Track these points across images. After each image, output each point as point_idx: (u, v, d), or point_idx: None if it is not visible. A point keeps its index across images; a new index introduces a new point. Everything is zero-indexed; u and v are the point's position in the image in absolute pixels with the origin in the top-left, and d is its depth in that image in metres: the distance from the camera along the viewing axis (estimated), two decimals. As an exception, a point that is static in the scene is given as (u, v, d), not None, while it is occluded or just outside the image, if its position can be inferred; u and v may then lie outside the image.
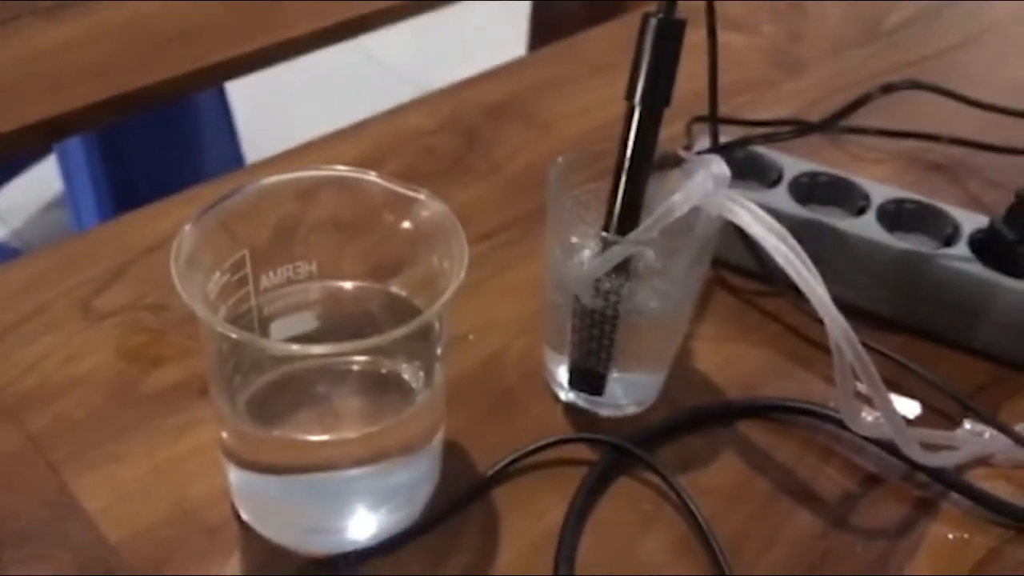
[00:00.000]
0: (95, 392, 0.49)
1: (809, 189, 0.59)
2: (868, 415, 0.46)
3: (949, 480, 0.48)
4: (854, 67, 0.78)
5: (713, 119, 0.54)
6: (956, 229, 0.56)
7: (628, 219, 0.45)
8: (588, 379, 0.49)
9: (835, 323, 0.41)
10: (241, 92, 1.55)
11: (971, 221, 0.56)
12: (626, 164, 0.45)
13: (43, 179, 1.65)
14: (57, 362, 0.51)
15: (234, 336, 0.37)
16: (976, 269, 0.53)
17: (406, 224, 0.43)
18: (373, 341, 0.36)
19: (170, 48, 0.72)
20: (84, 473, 0.46)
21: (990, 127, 0.69)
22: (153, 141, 1.37)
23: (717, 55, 0.51)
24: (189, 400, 0.49)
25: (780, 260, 0.42)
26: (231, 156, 1.55)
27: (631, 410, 0.51)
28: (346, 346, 0.38)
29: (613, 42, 0.78)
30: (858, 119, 0.70)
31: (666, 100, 0.45)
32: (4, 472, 0.46)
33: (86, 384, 0.50)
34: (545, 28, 1.35)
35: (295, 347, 0.39)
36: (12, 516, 0.44)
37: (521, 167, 0.66)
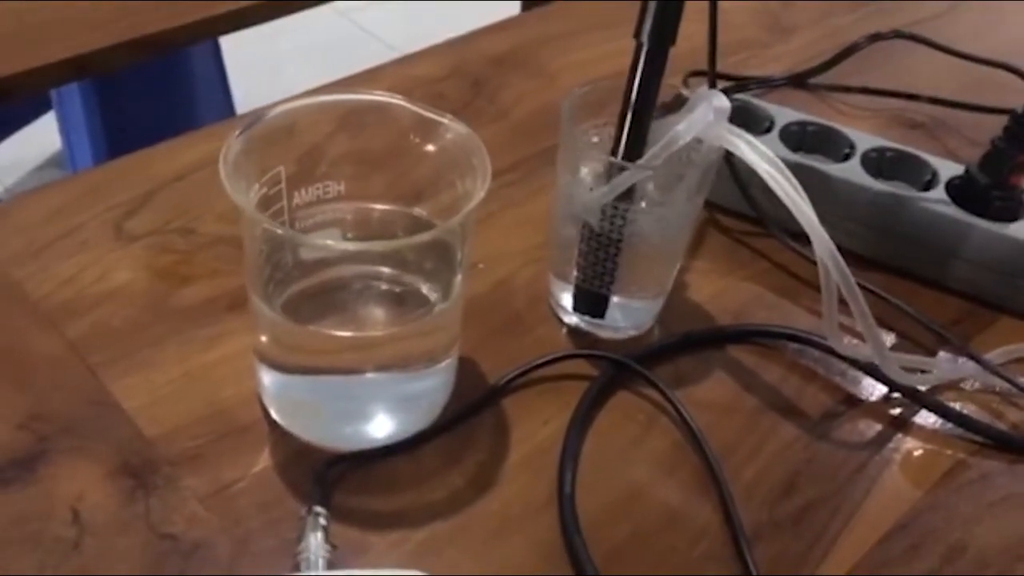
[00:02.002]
0: (129, 304, 0.53)
1: (798, 137, 0.62)
2: (850, 340, 0.50)
3: (922, 399, 0.52)
4: (841, 31, 0.82)
5: (712, 66, 0.58)
6: (934, 176, 0.60)
7: (634, 148, 0.49)
8: (591, 302, 0.53)
9: (822, 242, 0.45)
10: (235, 65, 1.58)
11: (948, 169, 0.60)
12: (633, 97, 0.48)
13: (38, 138, 1.67)
14: (92, 277, 0.54)
15: (278, 231, 0.40)
16: (952, 211, 0.57)
17: (430, 147, 0.46)
18: (397, 243, 0.40)
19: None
20: (121, 376, 0.49)
21: (968, 88, 0.73)
22: (149, 93, 1.40)
23: (717, 8, 0.54)
24: (218, 314, 0.53)
25: (773, 185, 0.46)
26: (225, 113, 1.58)
27: (629, 333, 0.54)
28: (375, 244, 0.41)
29: (609, 2, 0.81)
30: (844, 78, 0.74)
31: (671, 38, 0.48)
32: (47, 373, 0.49)
33: (120, 297, 0.53)
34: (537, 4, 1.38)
35: (330, 242, 0.42)
36: (56, 413, 0.47)
37: (526, 113, 0.69)
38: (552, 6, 0.83)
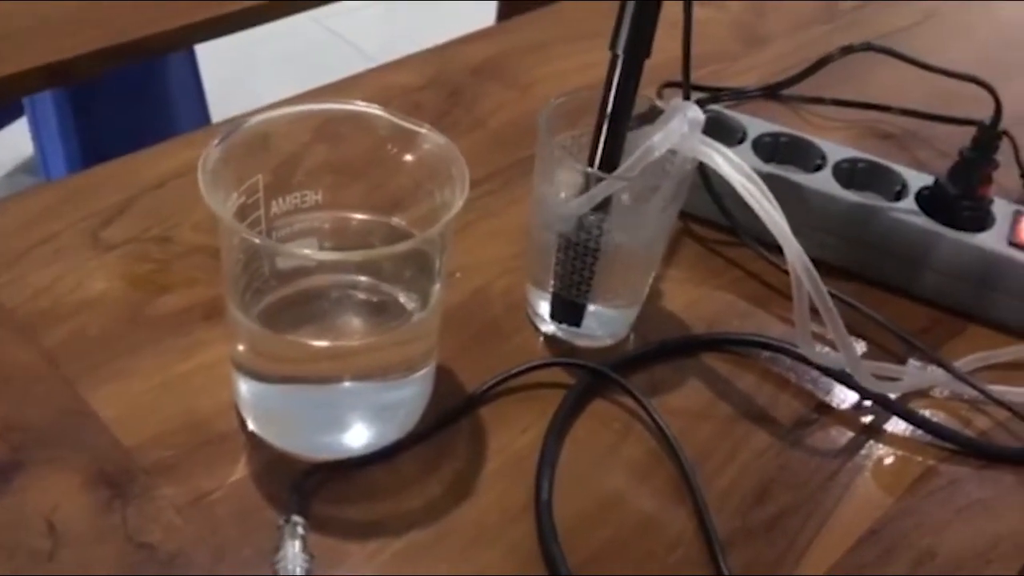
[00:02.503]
0: (105, 313, 0.53)
1: (771, 148, 0.63)
2: (822, 348, 0.51)
3: (893, 407, 0.53)
4: (813, 43, 0.83)
5: (686, 77, 0.59)
6: (904, 186, 0.61)
7: (610, 160, 0.49)
8: (568, 310, 0.53)
9: (794, 251, 0.46)
10: (210, 74, 1.58)
11: (918, 180, 0.61)
12: (609, 109, 0.49)
13: (11, 143, 1.66)
14: (69, 286, 0.54)
15: (256, 241, 0.40)
16: (922, 221, 0.58)
17: (408, 157, 0.47)
18: (376, 252, 0.40)
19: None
20: (97, 386, 0.49)
21: (938, 99, 0.74)
22: (124, 101, 1.39)
23: (692, 19, 0.55)
24: (195, 324, 0.53)
25: (746, 196, 0.46)
26: (200, 122, 1.57)
27: (605, 342, 0.55)
28: (352, 254, 0.42)
29: (592, 9, 0.82)
30: (816, 90, 0.75)
31: (646, 51, 0.49)
32: (23, 383, 0.49)
33: (97, 306, 0.53)
34: (512, 10, 1.38)
35: (307, 251, 0.42)
36: (32, 423, 0.47)
37: (502, 123, 0.70)
38: (529, 16, 0.83)
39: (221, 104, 1.65)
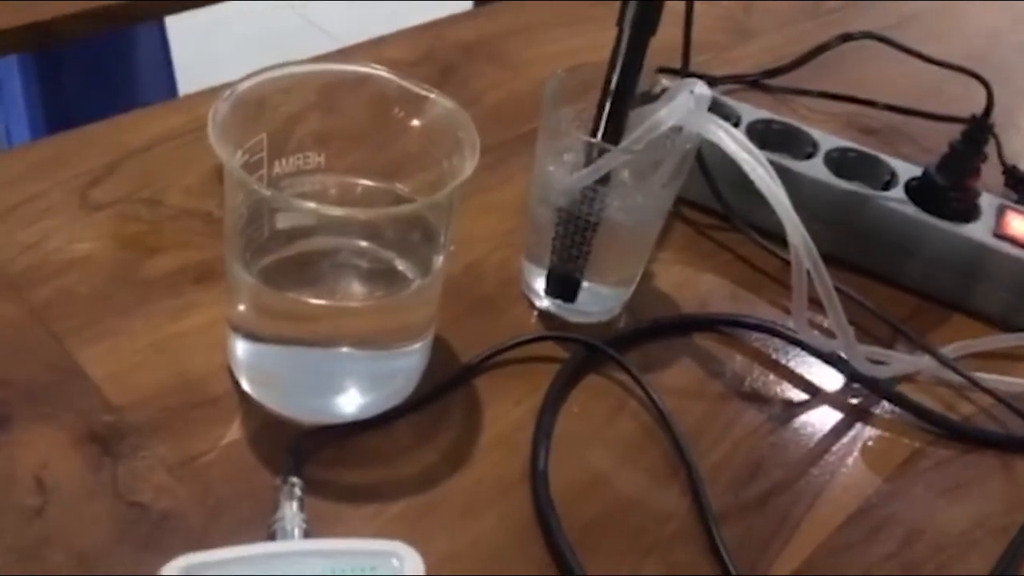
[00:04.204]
0: (95, 272, 0.52)
1: (763, 135, 0.64)
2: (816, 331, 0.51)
3: (882, 390, 0.53)
4: (802, 36, 0.84)
5: (686, 59, 0.59)
6: (893, 176, 0.62)
7: (613, 134, 0.49)
8: (564, 285, 0.53)
9: (795, 229, 0.46)
10: (178, 54, 1.55)
11: (907, 170, 0.62)
12: (614, 83, 0.49)
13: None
14: (57, 243, 0.53)
15: (266, 193, 0.40)
16: (910, 211, 0.59)
17: (415, 122, 0.46)
18: (380, 212, 0.40)
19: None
20: (87, 345, 0.48)
21: (925, 95, 0.75)
22: (91, 71, 1.37)
23: (693, 3, 0.55)
24: (186, 286, 0.52)
25: (751, 174, 0.47)
26: (168, 97, 1.55)
27: (598, 319, 0.55)
28: (356, 212, 0.41)
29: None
30: (803, 81, 0.76)
31: (653, 28, 0.49)
32: (9, 340, 0.48)
33: (86, 265, 0.52)
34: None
35: (312, 204, 0.41)
36: (19, 379, 0.46)
37: (496, 101, 0.70)
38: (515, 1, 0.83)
39: (189, 83, 1.63)
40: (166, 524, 0.42)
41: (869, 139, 0.74)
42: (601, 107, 0.50)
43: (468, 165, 0.42)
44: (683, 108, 0.47)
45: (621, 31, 0.49)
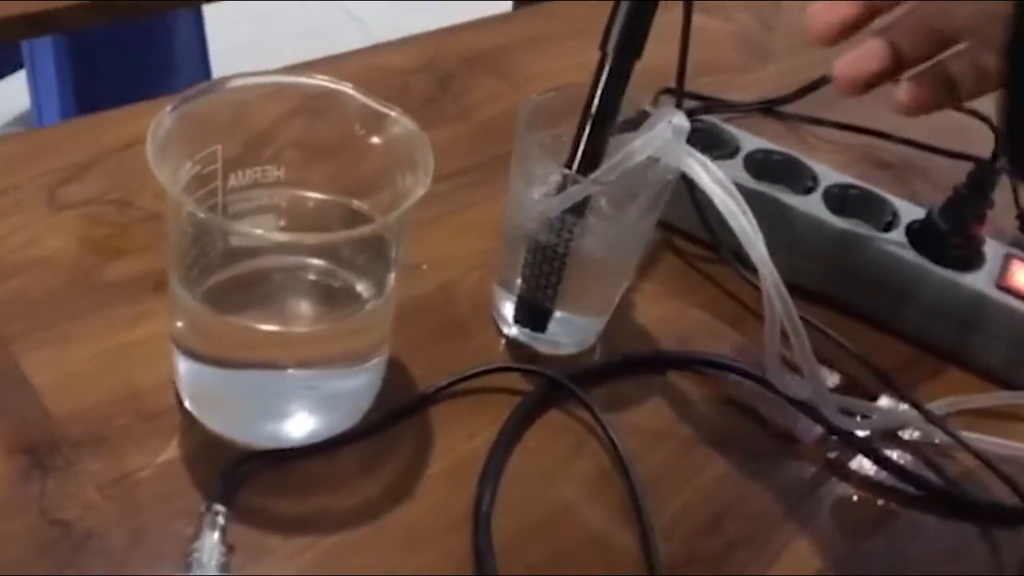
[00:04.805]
0: (54, 274, 0.51)
1: (762, 165, 0.61)
2: (791, 377, 0.49)
3: (859, 444, 0.51)
4: (821, 61, 0.81)
5: (680, 85, 0.56)
6: (895, 217, 0.59)
7: (590, 162, 0.47)
8: (533, 315, 0.51)
9: (769, 274, 0.44)
10: (220, 43, 1.55)
11: (910, 212, 0.59)
12: (594, 109, 0.47)
13: (11, 95, 1.64)
14: (19, 242, 0.52)
15: (201, 216, 0.38)
16: (909, 255, 0.56)
17: (376, 140, 0.44)
18: (330, 236, 0.38)
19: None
20: (34, 349, 0.47)
21: (942, 131, 0.72)
22: (125, 58, 1.37)
23: (691, 23, 0.53)
24: (145, 293, 0.50)
25: (725, 212, 0.44)
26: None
27: (569, 350, 0.53)
28: (306, 237, 0.40)
29: (597, 7, 0.79)
30: (817, 110, 0.73)
31: (637, 52, 0.47)
32: (-45, 338, 0.47)
33: (46, 265, 0.51)
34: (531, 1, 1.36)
35: (257, 231, 0.40)
36: (-42, 380, 0.45)
37: (491, 116, 0.68)
38: (531, 9, 0.81)
39: (223, 71, 1.63)
40: (88, 544, 0.40)
41: (882, 173, 0.71)
42: (579, 134, 0.48)
43: (419, 188, 0.41)
44: (659, 139, 0.45)
45: (604, 55, 0.47)
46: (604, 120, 0.47)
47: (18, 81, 1.49)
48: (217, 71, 1.56)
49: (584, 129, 0.48)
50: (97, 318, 0.49)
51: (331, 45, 0.73)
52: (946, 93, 0.41)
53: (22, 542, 0.40)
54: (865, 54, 0.42)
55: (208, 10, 1.52)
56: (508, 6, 1.39)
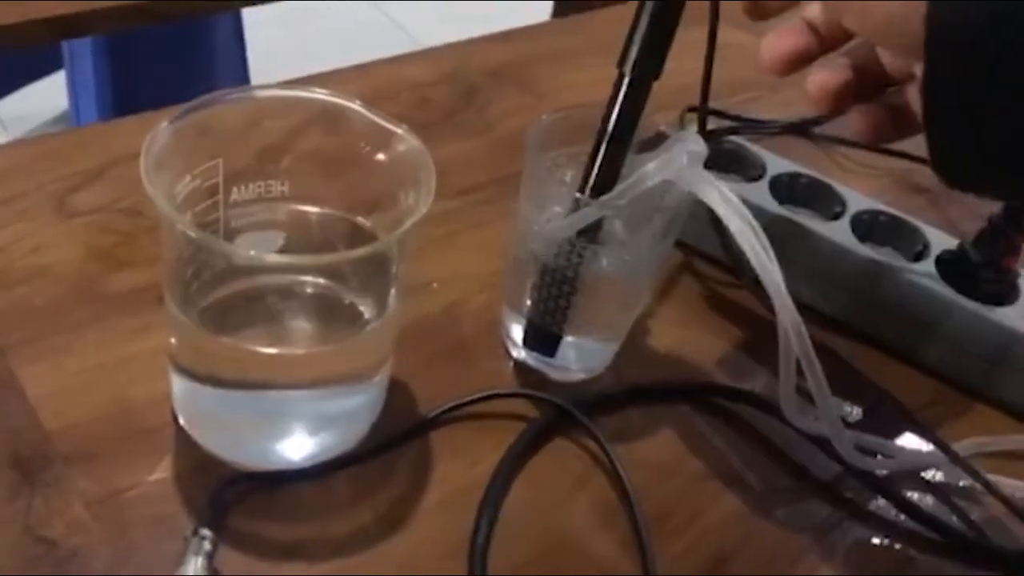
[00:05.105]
0: (57, 284, 0.50)
1: (789, 189, 0.59)
2: (809, 413, 0.47)
3: (878, 485, 0.48)
4: (857, 81, 0.79)
5: (704, 104, 0.55)
6: (926, 247, 0.56)
7: (604, 184, 0.46)
8: (542, 339, 0.49)
9: (785, 308, 0.42)
10: (259, 45, 1.56)
11: (941, 241, 0.57)
12: (609, 130, 0.45)
13: (52, 92, 1.65)
14: (24, 249, 0.51)
15: (192, 235, 0.37)
16: (938, 287, 0.54)
17: (381, 157, 0.43)
18: (329, 258, 0.37)
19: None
20: (31, 360, 0.46)
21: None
22: (163, 60, 1.37)
23: (715, 41, 0.51)
24: (147, 305, 0.50)
25: (741, 241, 0.43)
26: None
27: (579, 376, 0.51)
28: (304, 259, 0.39)
29: (625, 21, 0.78)
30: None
31: (656, 72, 0.45)
32: (-47, 347, 0.46)
33: (49, 275, 0.50)
34: (569, 8, 1.35)
35: (252, 253, 0.39)
36: (-48, 390, 0.44)
37: (512, 130, 0.66)
38: (559, 22, 0.80)
39: (261, 75, 1.63)
40: (71, 563, 0.39)
41: (917, 198, 0.69)
42: (594, 155, 0.46)
43: (421, 208, 0.39)
44: (675, 163, 0.43)
45: (622, 75, 0.46)
46: (620, 142, 0.46)
47: (58, 81, 1.50)
48: (255, 74, 1.56)
49: (598, 150, 0.46)
50: (96, 330, 0.48)
51: (370, 50, 0.72)
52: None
53: (4, 558, 0.39)
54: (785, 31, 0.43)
55: (247, 13, 1.52)
56: (546, 15, 1.38)
